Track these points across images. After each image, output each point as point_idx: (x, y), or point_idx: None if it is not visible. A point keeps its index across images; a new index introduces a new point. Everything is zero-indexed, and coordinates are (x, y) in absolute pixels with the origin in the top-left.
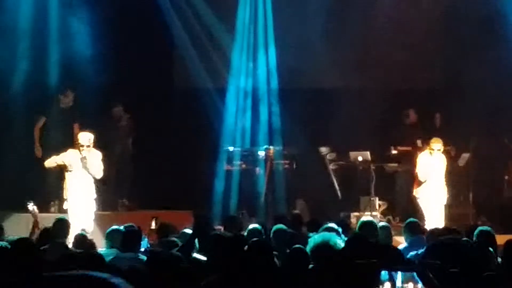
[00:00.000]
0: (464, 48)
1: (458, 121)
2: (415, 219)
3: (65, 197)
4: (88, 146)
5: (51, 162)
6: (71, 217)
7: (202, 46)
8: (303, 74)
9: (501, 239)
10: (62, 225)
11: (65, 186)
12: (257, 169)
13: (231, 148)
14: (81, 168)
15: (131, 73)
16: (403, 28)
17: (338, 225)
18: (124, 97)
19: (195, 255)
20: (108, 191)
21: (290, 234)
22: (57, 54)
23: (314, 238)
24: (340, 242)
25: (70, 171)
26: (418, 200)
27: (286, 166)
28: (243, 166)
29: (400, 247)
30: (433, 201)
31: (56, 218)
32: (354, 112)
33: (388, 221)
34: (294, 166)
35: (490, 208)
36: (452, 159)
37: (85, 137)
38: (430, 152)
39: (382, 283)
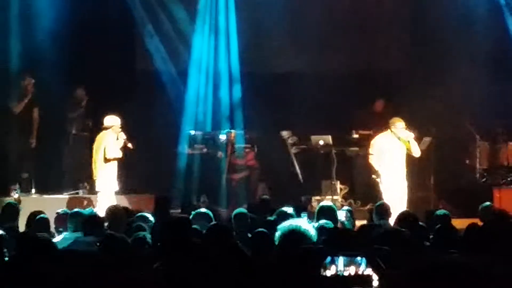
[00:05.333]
0: (429, 33)
1: (420, 105)
2: (384, 202)
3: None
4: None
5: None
6: None
7: (164, 28)
8: (265, 58)
9: (462, 223)
10: (11, 209)
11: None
12: (219, 153)
13: (192, 132)
14: None
15: (92, 54)
16: (365, 11)
17: (294, 209)
18: (85, 79)
19: None
20: (68, 174)
21: (251, 218)
22: (18, 35)
23: (283, 226)
24: (310, 229)
25: None
26: (380, 184)
27: (248, 150)
28: (205, 150)
29: None
30: (394, 184)
31: (5, 203)
32: (315, 96)
33: (350, 205)
34: (256, 150)
35: (451, 192)
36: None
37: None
38: (393, 132)
39: (327, 267)
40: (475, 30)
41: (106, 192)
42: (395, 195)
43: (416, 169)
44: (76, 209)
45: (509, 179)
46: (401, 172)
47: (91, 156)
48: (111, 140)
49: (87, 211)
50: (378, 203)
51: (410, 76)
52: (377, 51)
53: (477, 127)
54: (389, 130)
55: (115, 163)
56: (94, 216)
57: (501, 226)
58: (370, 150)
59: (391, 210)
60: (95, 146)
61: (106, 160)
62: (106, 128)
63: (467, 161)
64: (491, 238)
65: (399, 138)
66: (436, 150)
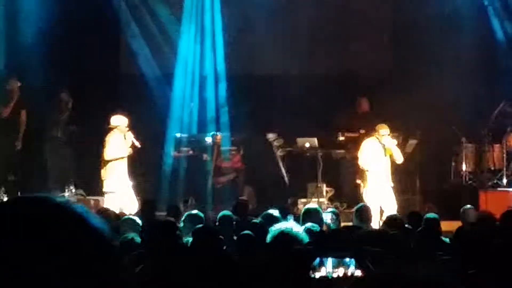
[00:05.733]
0: (414, 34)
1: (406, 107)
2: (364, 204)
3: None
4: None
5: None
6: None
7: (149, 31)
8: (251, 60)
9: (448, 226)
10: None
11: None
12: (205, 155)
13: (178, 135)
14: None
15: (77, 57)
16: (351, 14)
17: (280, 212)
18: (71, 82)
19: None
20: (53, 177)
21: (236, 221)
22: (3, 38)
23: (274, 228)
24: (301, 231)
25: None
26: (363, 188)
27: (234, 152)
28: (190, 152)
29: None
30: (381, 188)
31: None
32: (302, 98)
33: (335, 207)
34: (242, 152)
35: (437, 195)
36: (399, 146)
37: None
38: (378, 138)
39: (316, 269)
40: (461, 32)
41: (119, 191)
42: (381, 198)
43: (402, 171)
44: None
45: (495, 181)
46: (387, 176)
47: (76, 159)
48: (114, 140)
49: None
50: (357, 206)
51: (396, 79)
52: (364, 54)
53: (463, 130)
54: (375, 135)
55: (124, 161)
56: None
57: (486, 229)
58: (359, 154)
59: (377, 214)
60: (104, 147)
61: (105, 162)
62: (112, 128)
63: (453, 164)
64: (476, 241)
65: (383, 146)
66: (422, 153)
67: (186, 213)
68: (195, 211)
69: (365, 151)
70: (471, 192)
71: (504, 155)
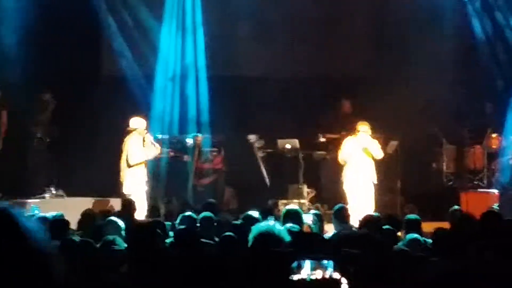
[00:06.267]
0: (395, 36)
1: (386, 108)
2: (343, 205)
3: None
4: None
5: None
6: None
7: (130, 33)
8: (232, 61)
9: (428, 226)
10: None
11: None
12: (186, 156)
13: (159, 136)
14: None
15: (59, 58)
16: (331, 15)
17: (260, 213)
18: (51, 84)
19: None
20: (34, 177)
21: (217, 222)
22: None
23: (259, 226)
24: (283, 231)
25: None
26: (344, 186)
27: (215, 153)
28: (171, 153)
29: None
30: (360, 186)
31: None
32: (282, 99)
33: (317, 208)
34: (223, 153)
35: (418, 196)
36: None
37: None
38: (356, 134)
39: (295, 271)
40: (441, 32)
41: (135, 195)
42: (362, 197)
43: (383, 172)
44: (40, 214)
45: (475, 182)
46: (368, 174)
47: (57, 159)
48: (134, 143)
49: (51, 215)
50: (336, 207)
51: (377, 80)
52: (345, 55)
53: (444, 131)
54: (356, 134)
55: (143, 165)
56: (58, 220)
57: (468, 229)
58: (340, 150)
59: (358, 213)
60: (123, 149)
61: (129, 166)
62: (131, 131)
63: (434, 165)
64: (458, 242)
65: (358, 143)
66: (403, 154)
67: (181, 215)
68: (189, 213)
69: (345, 147)
70: (452, 193)
71: (485, 156)
